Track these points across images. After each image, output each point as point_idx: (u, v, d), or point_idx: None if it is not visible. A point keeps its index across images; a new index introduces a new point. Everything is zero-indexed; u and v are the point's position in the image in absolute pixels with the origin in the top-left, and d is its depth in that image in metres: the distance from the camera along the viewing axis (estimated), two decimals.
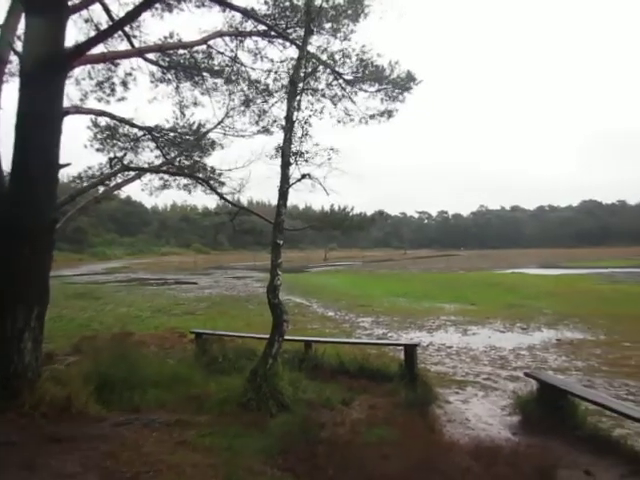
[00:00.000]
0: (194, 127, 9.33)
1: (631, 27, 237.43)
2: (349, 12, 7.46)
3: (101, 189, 9.40)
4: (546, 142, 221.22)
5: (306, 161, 7.26)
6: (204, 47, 8.05)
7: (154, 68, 8.77)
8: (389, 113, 8.91)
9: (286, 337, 7.39)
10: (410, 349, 7.73)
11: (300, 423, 5.15)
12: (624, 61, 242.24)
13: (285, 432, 4.93)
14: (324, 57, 8.13)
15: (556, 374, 8.04)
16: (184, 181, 9.92)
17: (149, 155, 9.83)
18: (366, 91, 8.60)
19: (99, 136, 9.45)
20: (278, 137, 8.77)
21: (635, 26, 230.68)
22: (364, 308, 17.18)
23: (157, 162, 9.74)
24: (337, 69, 8.35)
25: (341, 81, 8.51)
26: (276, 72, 8.42)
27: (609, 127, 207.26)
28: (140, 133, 9.50)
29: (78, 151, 9.58)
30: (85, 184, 9.22)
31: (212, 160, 9.96)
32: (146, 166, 9.64)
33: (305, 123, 8.12)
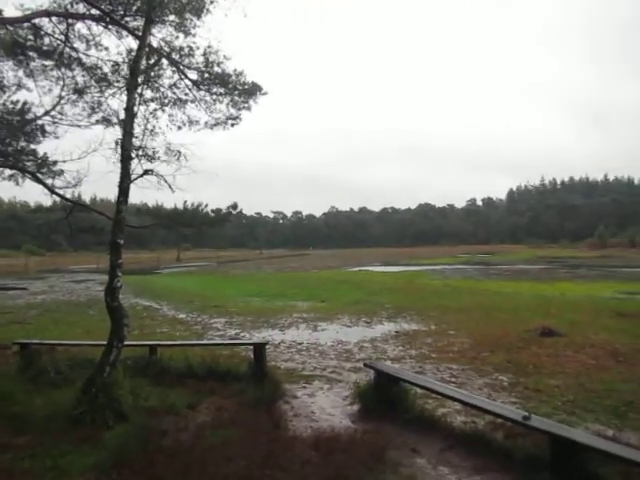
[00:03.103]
0: (17, 108, 8.23)
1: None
2: (193, 4, 7.24)
3: None
4: (387, 149, 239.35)
5: (149, 156, 6.94)
6: (29, 26, 7.22)
7: None
8: (234, 119, 8.79)
9: (128, 342, 7.01)
10: (259, 348, 7.80)
11: (139, 433, 4.90)
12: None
13: (122, 444, 4.66)
14: (167, 52, 7.80)
15: (393, 363, 8.70)
16: (8, 172, 8.74)
17: None
18: (212, 94, 8.41)
19: None
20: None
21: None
22: (217, 309, 16.91)
23: None
24: (182, 67, 8.07)
25: (187, 81, 8.23)
26: (115, 62, 7.84)
27: (432, 139, 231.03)
28: None
29: None
30: None
31: (44, 149, 8.93)
32: None
33: (152, 116, 7.78)
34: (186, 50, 7.81)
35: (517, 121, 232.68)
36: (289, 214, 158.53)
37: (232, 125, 8.77)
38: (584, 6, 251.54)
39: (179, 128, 8.46)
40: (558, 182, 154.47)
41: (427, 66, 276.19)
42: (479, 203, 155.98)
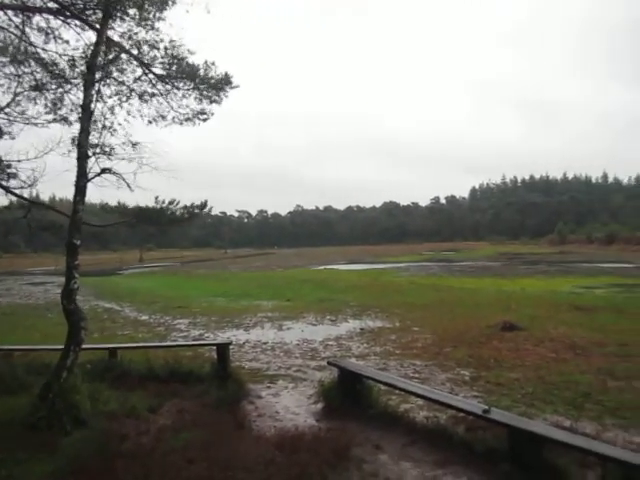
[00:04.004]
0: None
1: None
2: None
3: None
4: (352, 148, 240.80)
5: (107, 154, 6.75)
6: None
7: None
8: (204, 114, 8.65)
9: (87, 346, 6.82)
10: (222, 348, 7.72)
11: (98, 438, 4.78)
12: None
13: (80, 450, 4.53)
14: (128, 46, 7.60)
15: (358, 360, 8.76)
16: None
17: None
18: (179, 88, 8.25)
19: None
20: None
21: None
22: (181, 310, 16.66)
23: None
24: (146, 61, 7.88)
25: (152, 76, 8.05)
26: (73, 57, 7.58)
27: (397, 138, 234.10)
28: None
29: None
30: None
31: None
32: None
33: (110, 112, 7.57)
34: (149, 44, 7.63)
35: (480, 121, 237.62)
36: (254, 213, 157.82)
37: (204, 120, 8.66)
38: (542, 7, 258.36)
39: (149, 123, 8.29)
40: (519, 180, 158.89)
41: (393, 63, 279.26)
42: (443, 201, 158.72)
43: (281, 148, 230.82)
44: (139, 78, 7.95)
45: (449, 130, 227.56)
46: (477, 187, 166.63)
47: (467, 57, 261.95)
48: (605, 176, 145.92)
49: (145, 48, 7.78)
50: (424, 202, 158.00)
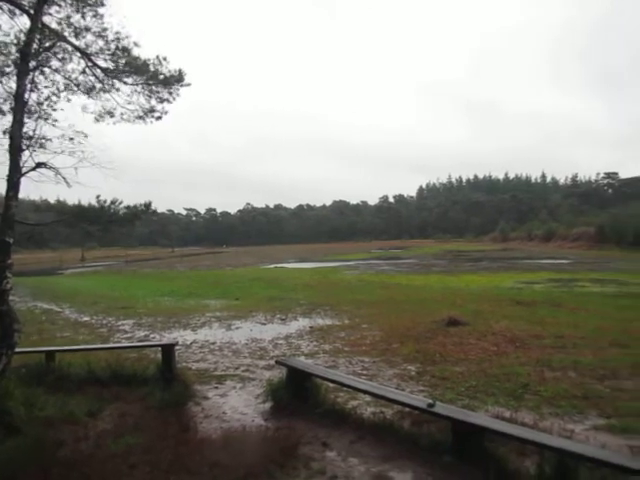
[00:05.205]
0: None
1: None
2: None
3: None
4: (301, 147, 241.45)
5: (43, 147, 6.43)
6: None
7: None
8: (156, 112, 8.32)
9: (22, 349, 6.51)
10: (167, 349, 7.52)
11: (32, 445, 4.53)
12: None
13: (12, 459, 4.28)
14: (68, 34, 7.24)
15: (307, 359, 8.75)
16: None
17: None
18: (126, 84, 7.90)
19: None
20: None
21: None
22: (125, 310, 16.12)
23: None
24: (90, 52, 7.51)
25: (96, 69, 7.68)
26: (5, 43, 7.15)
27: (345, 135, 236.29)
28: None
29: None
30: None
31: None
32: None
33: (48, 105, 7.19)
34: (92, 33, 7.29)
35: (428, 122, 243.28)
36: (203, 211, 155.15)
37: (157, 118, 8.32)
38: (490, 14, 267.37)
39: (96, 120, 7.92)
40: (464, 180, 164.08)
41: (343, 63, 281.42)
42: (391, 200, 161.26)
43: (222, 145, 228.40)
44: (83, 71, 7.60)
45: (398, 130, 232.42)
46: (424, 186, 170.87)
47: (417, 59, 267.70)
48: (544, 176, 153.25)
49: (89, 38, 7.43)
50: (373, 201, 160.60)
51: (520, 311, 13.22)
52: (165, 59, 7.86)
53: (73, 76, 7.59)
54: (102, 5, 7.01)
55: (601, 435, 5.13)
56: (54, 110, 7.23)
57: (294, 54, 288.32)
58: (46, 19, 6.96)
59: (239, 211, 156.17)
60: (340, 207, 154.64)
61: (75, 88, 7.55)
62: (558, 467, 3.97)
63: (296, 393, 6.23)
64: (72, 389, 6.72)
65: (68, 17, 7.04)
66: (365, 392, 5.77)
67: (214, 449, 4.66)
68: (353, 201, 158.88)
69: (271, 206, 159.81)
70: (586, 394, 6.45)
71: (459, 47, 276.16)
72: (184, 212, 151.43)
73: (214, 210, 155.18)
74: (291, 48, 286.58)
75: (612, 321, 11.37)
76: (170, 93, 8.12)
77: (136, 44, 7.62)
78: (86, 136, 7.05)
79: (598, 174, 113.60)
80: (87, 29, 7.31)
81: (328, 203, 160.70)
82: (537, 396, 6.44)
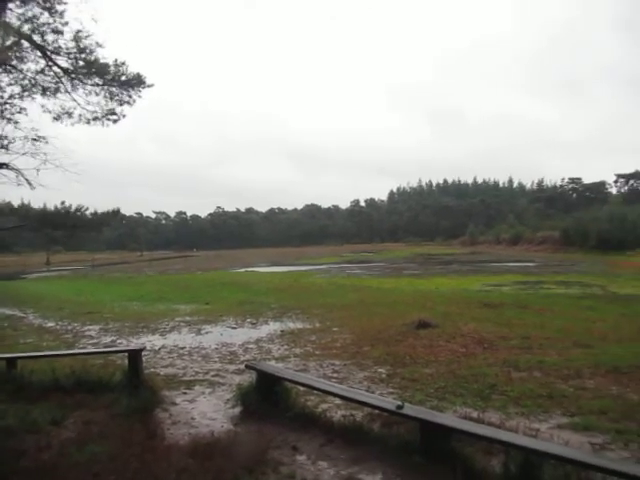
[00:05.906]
0: None
1: None
2: None
3: None
4: (272, 151, 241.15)
5: (4, 147, 6.25)
6: None
7: None
8: (114, 115, 8.16)
9: None
10: (134, 354, 7.37)
11: None
12: None
13: None
14: (29, 31, 7.05)
15: (278, 362, 8.71)
16: None
17: None
18: (86, 84, 7.73)
19: None
20: None
21: None
22: (91, 315, 15.76)
23: None
24: (50, 51, 7.34)
25: (56, 69, 7.50)
26: None
27: (317, 139, 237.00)
28: None
29: None
30: None
31: None
32: None
33: (8, 104, 7.01)
34: (51, 29, 7.12)
35: (398, 126, 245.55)
36: (172, 214, 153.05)
37: (114, 121, 8.16)
38: (466, 22, 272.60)
39: (55, 120, 7.73)
40: (434, 184, 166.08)
41: (312, 67, 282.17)
42: (362, 204, 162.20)
43: (192, 148, 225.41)
44: (42, 70, 7.41)
45: (369, 134, 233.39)
46: (395, 190, 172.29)
47: (385, 62, 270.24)
48: (511, 181, 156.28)
49: (49, 37, 7.27)
50: (345, 205, 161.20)
51: (488, 313, 13.46)
52: (124, 64, 7.75)
53: (31, 75, 7.42)
54: (64, 3, 6.86)
55: (565, 433, 5.25)
56: (18, 112, 7.07)
57: (261, 58, 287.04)
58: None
59: (210, 214, 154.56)
60: (312, 211, 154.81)
61: (33, 87, 7.37)
62: (523, 465, 4.05)
63: (266, 397, 6.18)
64: (35, 397, 6.52)
65: (29, 13, 6.87)
66: (335, 395, 5.77)
67: (182, 455, 4.58)
68: (325, 205, 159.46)
69: (242, 209, 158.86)
70: (551, 393, 6.60)
71: (427, 51, 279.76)
72: (153, 215, 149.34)
73: (184, 213, 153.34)
74: (260, 53, 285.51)
75: (576, 322, 11.70)
76: (130, 96, 8.00)
77: (99, 44, 7.49)
78: (47, 142, 6.90)
79: (563, 179, 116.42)
80: (48, 24, 7.15)
81: (300, 207, 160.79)
82: (504, 396, 6.56)
